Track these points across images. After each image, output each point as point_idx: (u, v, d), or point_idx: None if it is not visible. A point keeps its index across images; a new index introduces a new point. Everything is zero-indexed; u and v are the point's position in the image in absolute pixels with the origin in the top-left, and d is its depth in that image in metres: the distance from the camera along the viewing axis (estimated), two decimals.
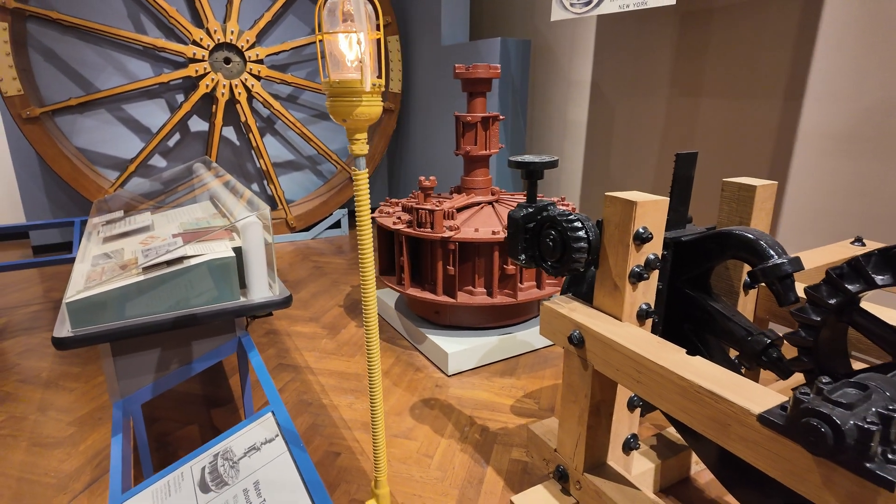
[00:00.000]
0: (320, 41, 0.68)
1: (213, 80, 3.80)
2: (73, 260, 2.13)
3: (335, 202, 4.40)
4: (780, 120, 2.44)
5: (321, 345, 2.47)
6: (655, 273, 1.30)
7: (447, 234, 2.14)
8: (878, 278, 1.03)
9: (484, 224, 2.26)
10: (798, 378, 1.62)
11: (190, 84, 3.99)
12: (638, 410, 1.43)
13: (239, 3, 3.80)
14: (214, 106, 3.89)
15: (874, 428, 0.76)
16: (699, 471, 1.64)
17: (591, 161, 3.50)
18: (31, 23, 3.55)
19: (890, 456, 0.78)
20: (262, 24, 3.93)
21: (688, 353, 1.12)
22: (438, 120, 4.10)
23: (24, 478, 1.62)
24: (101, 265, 1.46)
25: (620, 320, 1.27)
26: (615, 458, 1.42)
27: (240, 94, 3.90)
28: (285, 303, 1.48)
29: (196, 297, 1.37)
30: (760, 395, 0.94)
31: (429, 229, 2.18)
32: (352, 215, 4.92)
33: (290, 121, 4.14)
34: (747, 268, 1.52)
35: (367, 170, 0.73)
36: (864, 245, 1.74)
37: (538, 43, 3.73)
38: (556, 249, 1.32)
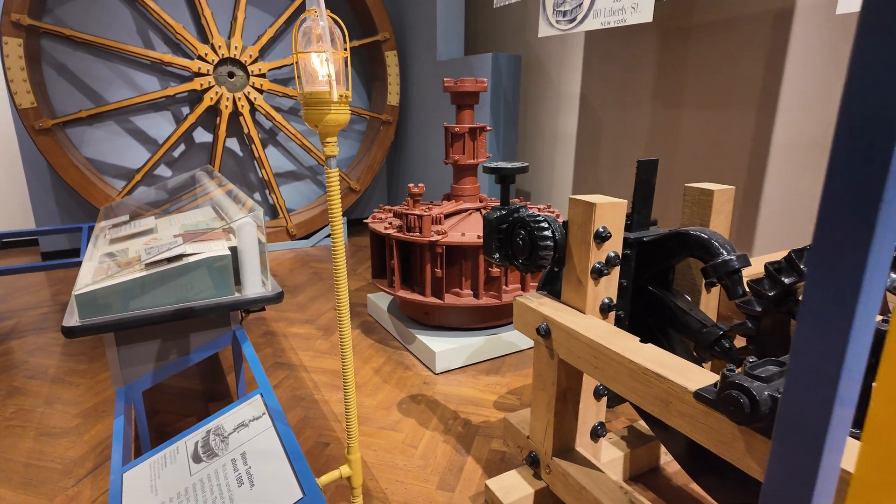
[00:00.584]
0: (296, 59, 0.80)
1: (217, 93, 3.95)
2: (79, 264, 2.25)
3: None
4: (755, 130, 2.56)
5: (315, 345, 2.58)
6: (616, 269, 1.40)
7: (435, 237, 2.25)
8: None
9: (471, 229, 2.37)
10: None
11: (195, 97, 4.15)
12: (604, 400, 1.53)
13: (242, 20, 3.97)
14: (218, 118, 4.04)
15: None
16: (668, 461, 1.73)
17: (581, 170, 3.62)
18: (45, 39, 3.72)
19: None
20: (264, 40, 4.09)
21: (651, 345, 1.22)
22: (435, 132, 4.23)
23: (32, 464, 1.73)
24: (106, 262, 1.58)
25: (584, 313, 1.38)
26: (583, 445, 1.51)
27: (243, 106, 4.05)
28: (277, 298, 1.59)
29: (194, 292, 1.48)
30: (698, 375, 1.04)
31: (418, 234, 2.29)
32: (351, 224, 5.04)
33: (291, 132, 4.29)
34: None
35: (337, 169, 0.85)
36: None
37: (530, 58, 3.87)
38: (525, 248, 1.43)
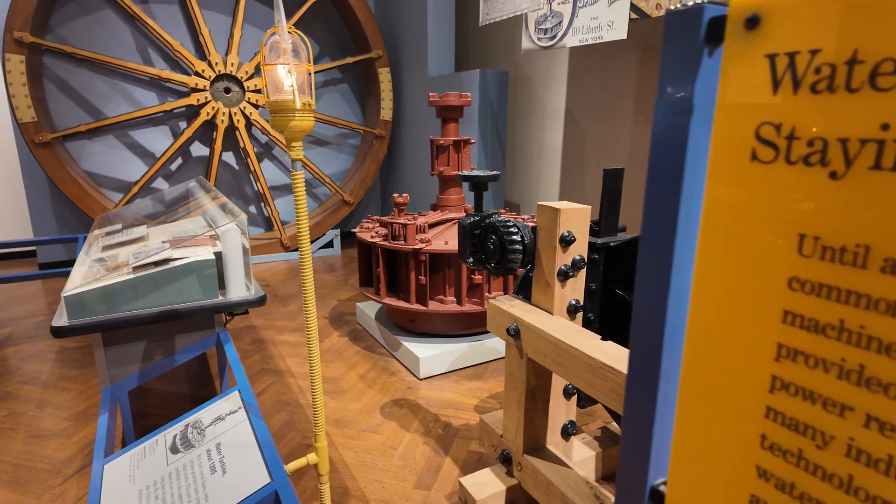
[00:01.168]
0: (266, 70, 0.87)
1: (213, 108, 4.05)
2: None
3: (328, 223, 4.60)
4: None
5: (303, 352, 2.63)
6: (582, 272, 1.47)
7: (418, 245, 2.32)
8: None
9: (454, 238, 2.44)
10: None
11: (192, 112, 4.25)
12: (574, 398, 1.58)
13: (239, 37, 4.09)
14: (214, 132, 4.14)
15: None
16: None
17: (567, 181, 3.70)
18: (48, 56, 3.83)
19: None
20: (259, 57, 4.20)
21: (611, 342, 1.28)
22: (426, 145, 4.33)
23: (21, 464, 1.77)
24: (96, 267, 1.65)
25: (552, 314, 1.44)
26: (554, 443, 1.56)
27: (238, 121, 4.15)
28: (259, 301, 1.65)
29: (179, 295, 1.55)
30: None
31: (402, 242, 2.36)
32: (344, 236, 5.12)
33: (285, 146, 4.38)
34: None
35: (302, 171, 0.92)
36: None
37: (518, 74, 3.98)
38: (496, 252, 1.50)
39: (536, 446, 1.53)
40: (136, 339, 1.57)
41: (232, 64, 4.07)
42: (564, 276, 1.42)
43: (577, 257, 1.43)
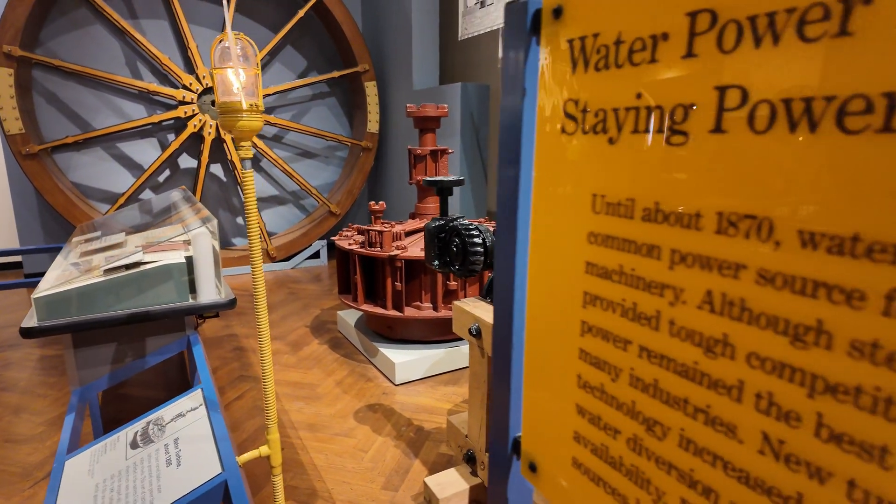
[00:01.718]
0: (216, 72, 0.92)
1: (200, 120, 4.11)
2: None
3: (315, 233, 4.64)
4: None
5: (282, 359, 2.65)
6: None
7: (394, 252, 2.36)
8: None
9: None
10: None
11: (180, 124, 4.30)
12: None
13: None
14: (202, 144, 4.19)
15: None
16: None
17: None
18: (37, 69, 3.89)
19: None
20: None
21: None
22: None
23: None
24: (70, 270, 1.68)
25: None
26: None
27: (225, 133, 4.20)
28: (230, 304, 1.68)
29: (149, 297, 1.58)
30: None
31: (378, 249, 2.40)
32: (331, 247, 5.15)
33: (272, 158, 4.43)
34: None
35: (252, 170, 0.96)
36: None
37: (496, 86, 4.05)
38: (459, 254, 1.53)
39: None
40: (107, 341, 1.59)
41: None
42: None
43: None
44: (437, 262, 1.62)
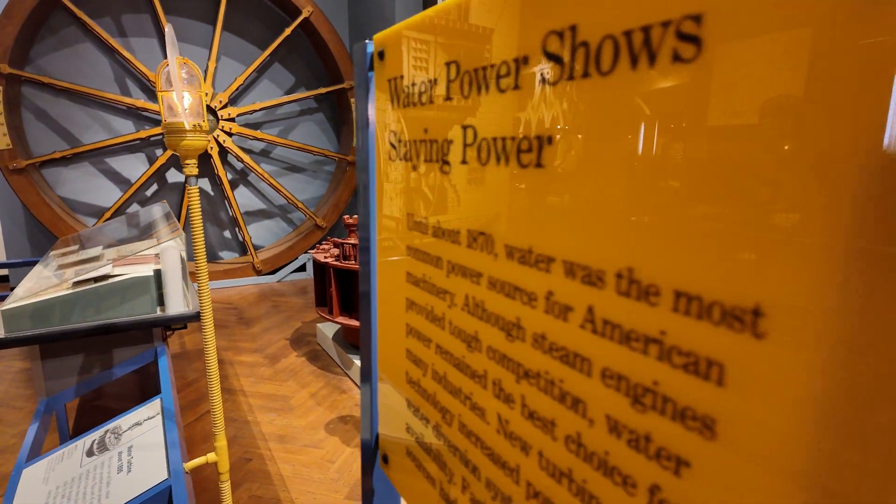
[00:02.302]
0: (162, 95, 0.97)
1: None
2: None
3: (301, 247, 4.68)
4: None
5: (259, 371, 2.68)
6: None
7: None
8: None
9: None
10: None
11: None
12: None
13: (213, 69, 4.24)
14: None
15: None
16: None
17: None
18: (26, 86, 3.96)
19: None
20: (233, 87, 4.35)
21: None
22: None
23: None
24: (41, 282, 1.72)
25: None
26: None
27: (212, 148, 4.27)
28: (197, 316, 1.72)
29: (117, 309, 1.61)
30: None
31: (353, 261, 2.44)
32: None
33: (260, 173, 4.49)
34: None
35: (197, 186, 1.01)
36: None
37: None
38: None
39: None
40: (74, 353, 1.63)
41: (206, 94, 4.20)
42: None
43: None
44: None
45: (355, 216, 2.60)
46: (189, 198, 1.00)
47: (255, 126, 4.70)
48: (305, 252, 4.71)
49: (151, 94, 4.29)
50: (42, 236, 4.13)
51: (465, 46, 0.43)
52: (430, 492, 0.57)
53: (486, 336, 0.43)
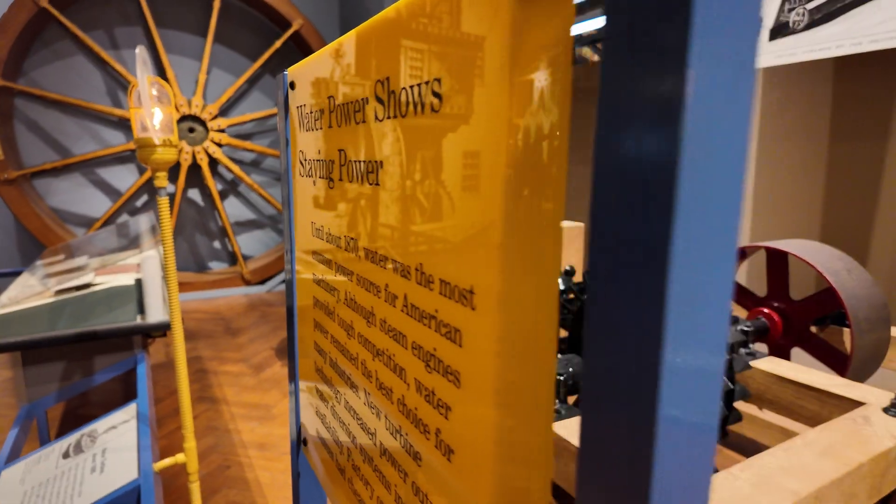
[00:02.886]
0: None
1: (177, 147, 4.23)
2: None
3: None
4: None
5: (242, 381, 2.72)
6: None
7: None
8: None
9: None
10: None
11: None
12: None
13: (204, 81, 4.30)
14: (179, 170, 4.30)
15: None
16: None
17: None
18: (19, 98, 4.01)
19: None
20: (223, 98, 4.42)
21: None
22: None
23: None
24: (25, 290, 1.76)
25: None
26: None
27: (202, 159, 4.32)
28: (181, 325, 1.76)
29: (98, 317, 1.66)
30: None
31: None
32: None
33: (248, 183, 4.55)
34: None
35: (167, 198, 1.06)
36: None
37: None
38: None
39: None
40: (55, 360, 1.67)
41: (196, 105, 4.27)
42: None
43: None
44: None
45: None
46: (160, 211, 1.05)
47: (246, 137, 4.76)
48: None
49: None
50: (32, 246, 4.16)
51: (337, 85, 0.53)
52: (330, 463, 0.67)
53: (357, 325, 0.53)
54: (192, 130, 4.31)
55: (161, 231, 1.05)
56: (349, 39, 0.49)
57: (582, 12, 2.94)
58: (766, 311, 1.55)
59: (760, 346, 1.84)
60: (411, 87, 0.40)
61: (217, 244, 4.90)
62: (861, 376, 1.42)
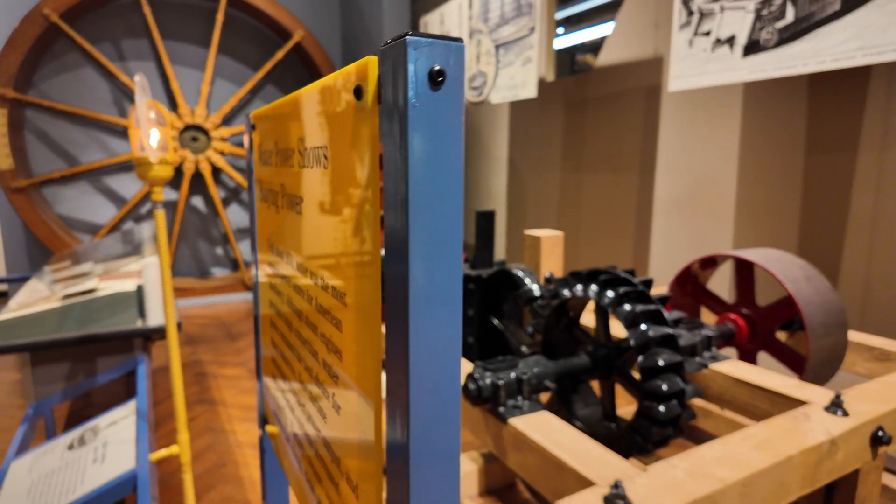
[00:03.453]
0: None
1: (180, 156, 4.35)
2: None
3: None
4: (639, 188, 2.92)
5: (241, 384, 2.81)
6: None
7: None
8: (577, 288, 1.41)
9: None
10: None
11: None
12: None
13: (207, 91, 4.43)
14: (182, 178, 4.42)
15: (500, 383, 1.13)
16: None
17: (511, 223, 3.97)
18: (29, 109, 4.15)
19: (513, 402, 1.15)
20: (226, 108, 4.54)
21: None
22: None
23: None
24: (34, 296, 1.86)
25: None
26: None
27: (204, 168, 4.44)
28: (178, 327, 1.85)
29: (101, 320, 1.76)
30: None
31: None
32: None
33: None
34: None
35: (163, 210, 1.15)
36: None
37: (466, 125, 4.31)
38: None
39: None
40: (61, 360, 1.77)
41: (199, 115, 4.39)
42: None
43: None
44: None
45: None
46: (156, 222, 1.15)
47: None
48: None
49: None
50: (40, 253, 4.28)
51: (278, 134, 0.67)
52: (276, 430, 0.78)
53: (285, 308, 0.66)
54: (195, 139, 4.43)
55: (158, 242, 1.14)
56: (288, 103, 0.63)
57: (584, 21, 3.03)
58: (732, 316, 1.63)
59: (731, 351, 1.92)
60: (314, 147, 0.55)
61: (219, 250, 5.01)
62: (820, 379, 1.49)
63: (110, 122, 4.21)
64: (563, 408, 1.43)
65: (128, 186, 4.53)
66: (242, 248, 5.00)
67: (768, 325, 1.59)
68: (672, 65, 2.20)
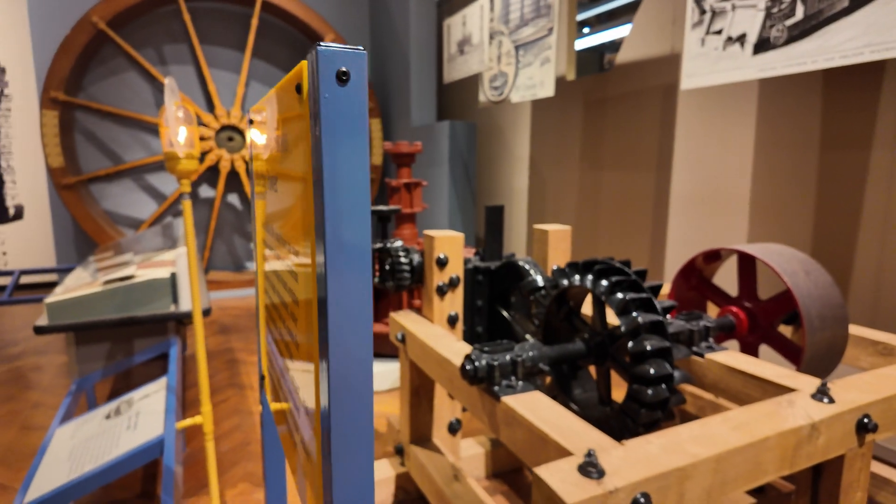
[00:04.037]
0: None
1: (217, 154, 4.56)
2: None
3: None
4: (655, 186, 2.93)
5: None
6: (459, 288, 1.77)
7: None
8: (574, 278, 1.47)
9: None
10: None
11: (199, 158, 4.76)
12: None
13: (242, 93, 4.63)
14: (219, 176, 4.63)
15: (494, 364, 1.21)
16: None
17: (532, 219, 4.01)
18: (78, 111, 4.42)
19: (507, 382, 1.22)
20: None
21: (462, 342, 1.57)
22: None
23: (12, 449, 2.12)
24: (79, 281, 2.03)
25: (434, 324, 1.74)
26: (441, 438, 1.83)
27: (239, 166, 4.64)
28: (206, 313, 1.99)
29: (138, 305, 1.91)
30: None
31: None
32: None
33: None
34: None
35: (190, 201, 1.27)
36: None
37: (490, 124, 4.38)
38: (392, 271, 1.82)
39: (423, 439, 1.80)
40: (103, 341, 1.92)
41: (235, 116, 4.59)
42: (441, 291, 1.72)
43: (454, 276, 1.73)
44: (377, 278, 1.90)
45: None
46: (183, 210, 1.26)
47: None
48: None
49: None
50: (87, 246, 4.56)
51: (262, 126, 0.77)
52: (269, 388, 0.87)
53: (278, 289, 0.72)
54: (230, 139, 4.63)
55: (185, 229, 1.26)
56: (267, 99, 0.73)
57: (611, 21, 3.07)
58: (734, 309, 1.65)
59: (733, 344, 1.94)
60: (282, 136, 0.65)
61: (253, 245, 5.21)
62: (819, 372, 1.51)
63: (152, 123, 4.45)
64: (561, 392, 1.50)
65: (167, 183, 4.77)
66: None
67: (769, 318, 1.61)
68: (684, 63, 2.22)
